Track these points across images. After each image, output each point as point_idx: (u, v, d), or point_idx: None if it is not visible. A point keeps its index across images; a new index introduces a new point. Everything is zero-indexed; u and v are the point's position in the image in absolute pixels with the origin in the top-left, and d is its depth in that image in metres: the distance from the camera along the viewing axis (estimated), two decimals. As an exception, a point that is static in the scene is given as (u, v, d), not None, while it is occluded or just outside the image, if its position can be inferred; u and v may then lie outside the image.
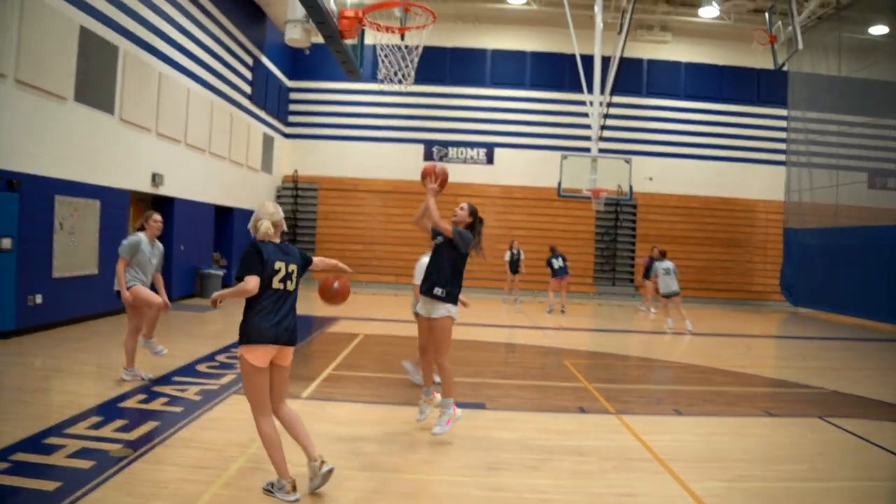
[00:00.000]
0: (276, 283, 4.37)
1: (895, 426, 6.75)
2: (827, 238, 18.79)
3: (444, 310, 5.59)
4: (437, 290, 5.56)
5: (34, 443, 4.93)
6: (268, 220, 4.54)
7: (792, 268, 20.69)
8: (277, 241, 4.55)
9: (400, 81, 7.61)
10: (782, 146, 22.16)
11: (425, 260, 6.34)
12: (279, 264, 4.39)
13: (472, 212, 5.83)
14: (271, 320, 4.33)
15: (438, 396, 5.79)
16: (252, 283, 4.26)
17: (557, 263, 16.83)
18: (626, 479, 4.83)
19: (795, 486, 4.89)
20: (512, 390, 7.82)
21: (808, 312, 20.34)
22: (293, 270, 4.47)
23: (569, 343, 12.06)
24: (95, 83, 11.47)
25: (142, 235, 7.15)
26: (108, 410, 5.95)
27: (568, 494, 4.53)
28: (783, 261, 21.35)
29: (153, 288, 7.30)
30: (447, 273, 5.63)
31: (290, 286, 4.46)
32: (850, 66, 18.25)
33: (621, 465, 5.18)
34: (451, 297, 5.63)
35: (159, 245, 7.41)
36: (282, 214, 4.63)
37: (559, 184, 18.00)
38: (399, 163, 22.84)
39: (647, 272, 17.65)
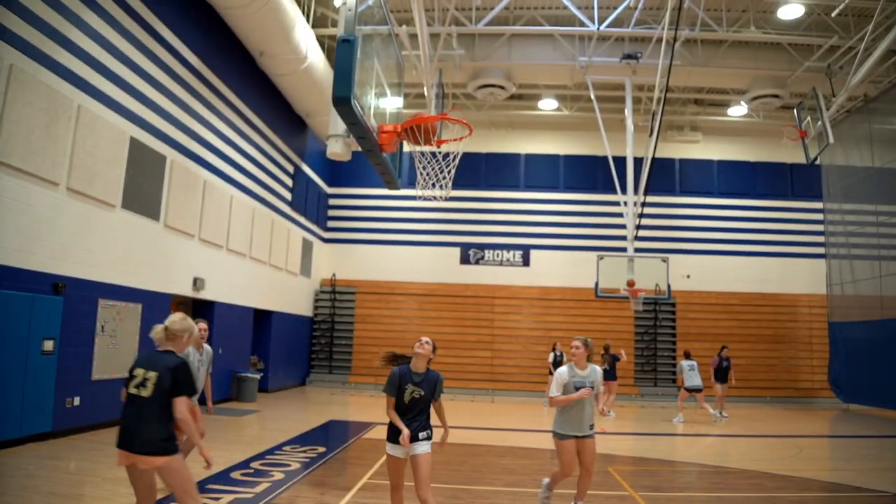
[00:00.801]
0: (131, 389, 4.46)
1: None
2: (874, 331, 18.22)
3: (428, 444, 5.38)
4: (422, 435, 5.30)
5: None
6: (161, 325, 4.66)
7: (839, 363, 20.02)
8: (167, 348, 4.62)
9: (441, 188, 7.78)
10: (821, 239, 21.92)
11: (564, 370, 6.48)
12: (138, 371, 4.48)
13: (435, 346, 5.60)
14: (121, 425, 4.45)
15: None
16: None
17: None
18: None
19: None
20: (555, 500, 7.50)
21: (860, 409, 19.50)
22: (150, 378, 4.44)
23: (612, 448, 11.64)
24: (143, 191, 11.93)
25: (189, 347, 7.15)
26: (142, 520, 5.83)
27: None
28: (830, 356, 20.70)
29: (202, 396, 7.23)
30: (428, 416, 5.45)
31: (144, 392, 4.43)
32: (884, 156, 18.25)
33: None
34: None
35: (207, 349, 7.43)
36: (185, 326, 4.69)
37: (596, 284, 17.90)
38: (435, 266, 23.08)
39: (717, 374, 16.56)
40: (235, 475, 7.85)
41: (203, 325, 7.33)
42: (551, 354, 17.95)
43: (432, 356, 5.50)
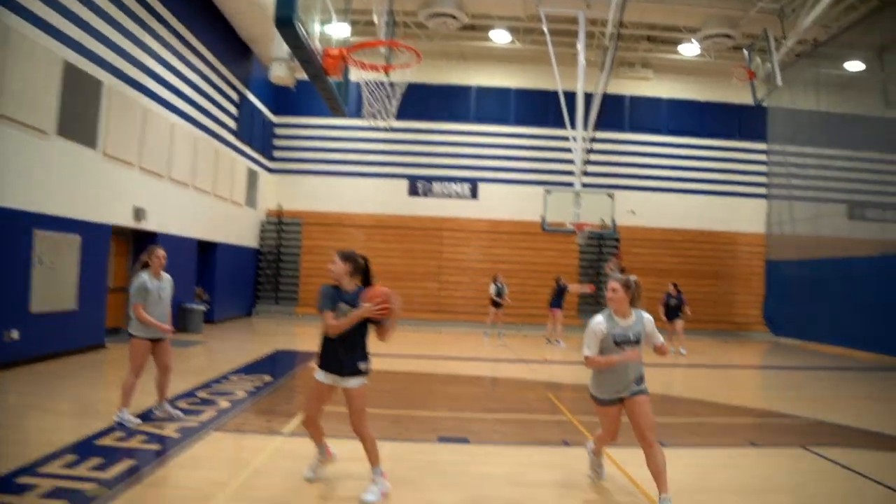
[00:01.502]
0: None
1: (877, 455, 6.75)
2: (808, 269, 18.97)
3: (362, 378, 4.99)
4: (362, 366, 4.94)
5: (6, 482, 4.80)
6: None
7: (774, 299, 20.84)
8: None
9: (389, 116, 7.70)
10: (763, 179, 22.43)
11: (602, 320, 4.93)
12: None
13: (349, 257, 5.00)
14: None
15: (334, 453, 5.39)
16: None
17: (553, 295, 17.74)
18: (609, 512, 4.65)
19: (780, 518, 4.86)
20: (496, 425, 7.75)
21: (791, 342, 20.40)
22: None
23: (553, 376, 12.00)
24: (78, 118, 11.45)
25: (145, 275, 6.93)
26: (84, 449, 5.82)
27: (551, 529, 4.46)
28: (765, 292, 21.48)
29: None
30: (364, 343, 5.00)
31: None
32: (829, 100, 18.64)
33: (605, 498, 5.12)
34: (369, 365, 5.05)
35: (167, 277, 7.17)
36: None
37: (543, 218, 18.11)
38: (383, 198, 22.96)
39: (669, 311, 16.51)
40: (181, 404, 7.84)
41: (161, 251, 7.12)
42: (492, 286, 18.18)
43: (349, 268, 4.94)
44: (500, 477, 5.60)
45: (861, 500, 5.34)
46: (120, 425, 6.62)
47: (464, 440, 6.82)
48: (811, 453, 6.66)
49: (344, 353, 4.91)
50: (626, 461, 6.07)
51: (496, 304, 18.12)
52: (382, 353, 5.29)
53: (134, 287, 6.86)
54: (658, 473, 4.68)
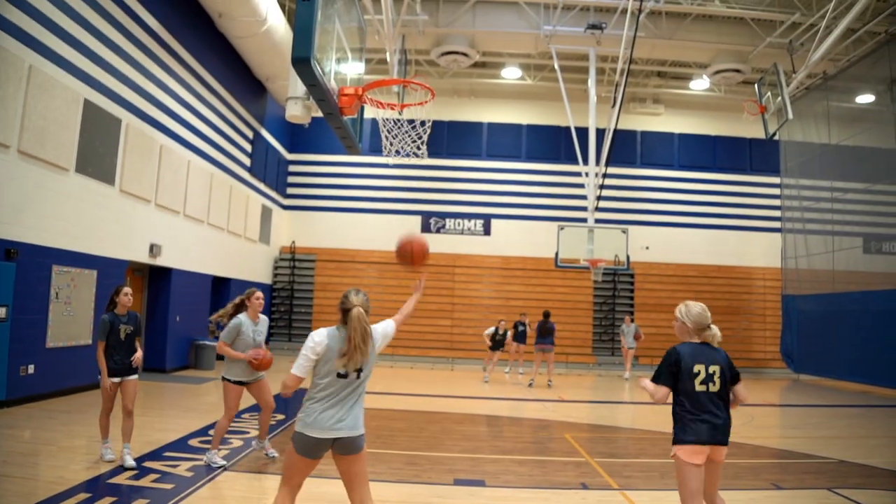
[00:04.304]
0: None
1: (907, 500, 6.57)
2: (825, 304, 18.75)
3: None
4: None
5: (18, 523, 4.75)
6: None
7: (791, 334, 20.58)
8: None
9: (413, 154, 7.75)
10: (777, 213, 22.33)
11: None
12: None
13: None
14: None
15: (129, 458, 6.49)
16: None
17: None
18: (631, 558, 4.50)
19: (808, 564, 4.71)
20: (511, 466, 7.62)
21: (810, 379, 20.10)
22: None
23: (569, 415, 11.84)
24: (97, 155, 11.60)
25: (243, 317, 6.92)
26: (97, 487, 5.77)
27: (572, 575, 4.34)
28: (782, 328, 21.25)
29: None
30: None
31: None
32: (841, 133, 18.59)
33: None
34: None
35: (263, 319, 7.12)
36: None
37: (556, 254, 18.06)
38: (396, 234, 22.44)
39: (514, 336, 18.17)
40: (193, 442, 7.79)
41: (259, 293, 7.05)
42: (492, 328, 17.26)
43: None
44: (518, 520, 5.49)
45: (891, 546, 5.18)
46: (208, 467, 6.69)
47: (480, 482, 6.71)
48: (837, 496, 6.49)
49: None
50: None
51: (496, 346, 17.08)
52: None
53: (228, 327, 6.85)
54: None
